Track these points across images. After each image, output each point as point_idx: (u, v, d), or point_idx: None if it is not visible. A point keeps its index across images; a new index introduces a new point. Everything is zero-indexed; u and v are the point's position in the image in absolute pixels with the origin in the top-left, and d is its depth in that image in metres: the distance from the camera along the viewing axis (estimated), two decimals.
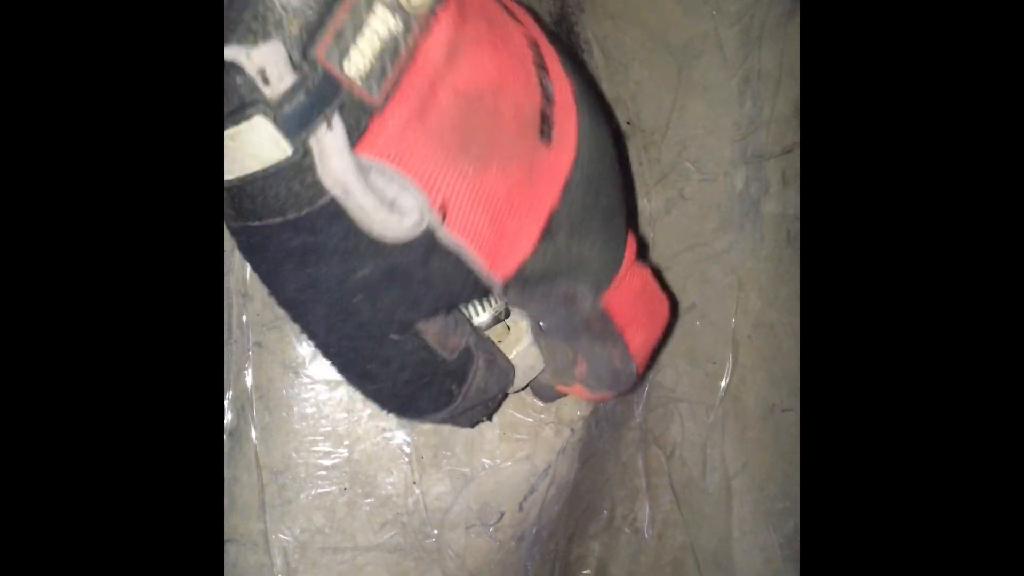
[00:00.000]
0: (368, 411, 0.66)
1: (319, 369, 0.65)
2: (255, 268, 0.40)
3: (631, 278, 0.51)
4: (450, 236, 0.38)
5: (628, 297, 0.51)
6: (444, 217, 0.37)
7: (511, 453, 0.67)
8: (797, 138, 0.82)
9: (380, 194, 0.35)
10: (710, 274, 0.79)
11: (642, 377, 0.75)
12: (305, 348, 0.65)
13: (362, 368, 0.44)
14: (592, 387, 0.55)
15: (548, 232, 0.42)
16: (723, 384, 0.78)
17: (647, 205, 0.78)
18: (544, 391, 0.59)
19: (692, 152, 0.80)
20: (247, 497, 0.65)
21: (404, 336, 0.42)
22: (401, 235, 0.36)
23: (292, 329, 0.65)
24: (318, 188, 0.34)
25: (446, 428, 0.67)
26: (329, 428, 0.65)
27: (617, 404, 0.74)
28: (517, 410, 0.67)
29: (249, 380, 0.65)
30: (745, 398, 0.79)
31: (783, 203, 0.80)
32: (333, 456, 0.66)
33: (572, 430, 0.68)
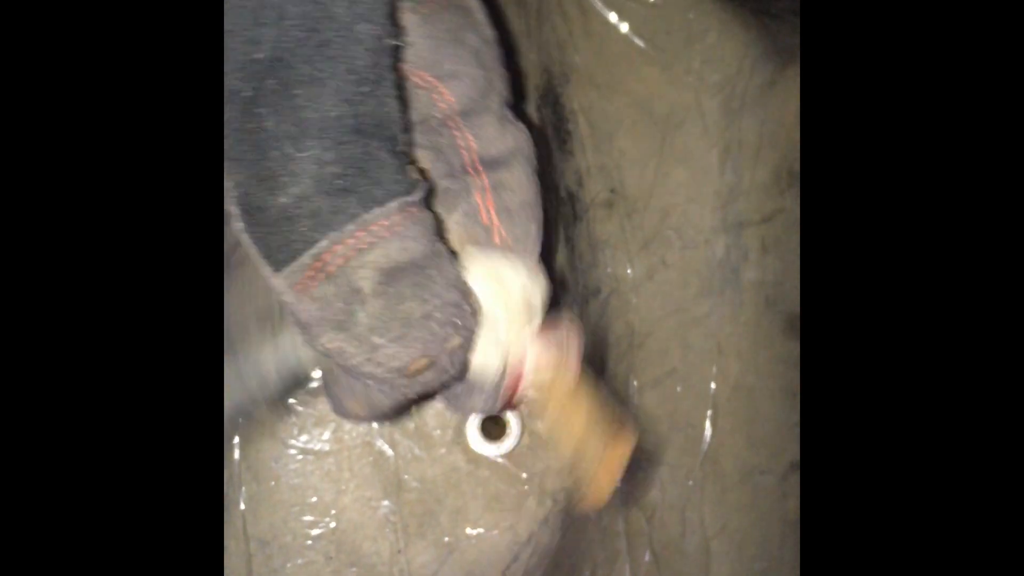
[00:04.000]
0: (355, 482, 0.67)
1: (306, 440, 0.66)
2: None
3: None
4: None
5: None
6: None
7: (495, 523, 0.68)
8: (776, 206, 0.84)
9: None
10: (691, 339, 0.81)
11: None
12: (292, 419, 0.66)
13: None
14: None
15: None
16: (702, 448, 0.80)
17: (629, 272, 0.80)
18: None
19: (674, 220, 0.82)
20: (235, 566, 0.66)
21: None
22: None
23: (280, 400, 0.66)
24: None
25: (431, 498, 0.68)
26: (315, 498, 0.67)
27: None
28: (501, 481, 0.68)
29: (237, 451, 0.66)
30: (724, 461, 0.80)
31: (762, 270, 0.82)
32: (319, 525, 0.67)
33: (555, 500, 0.69)
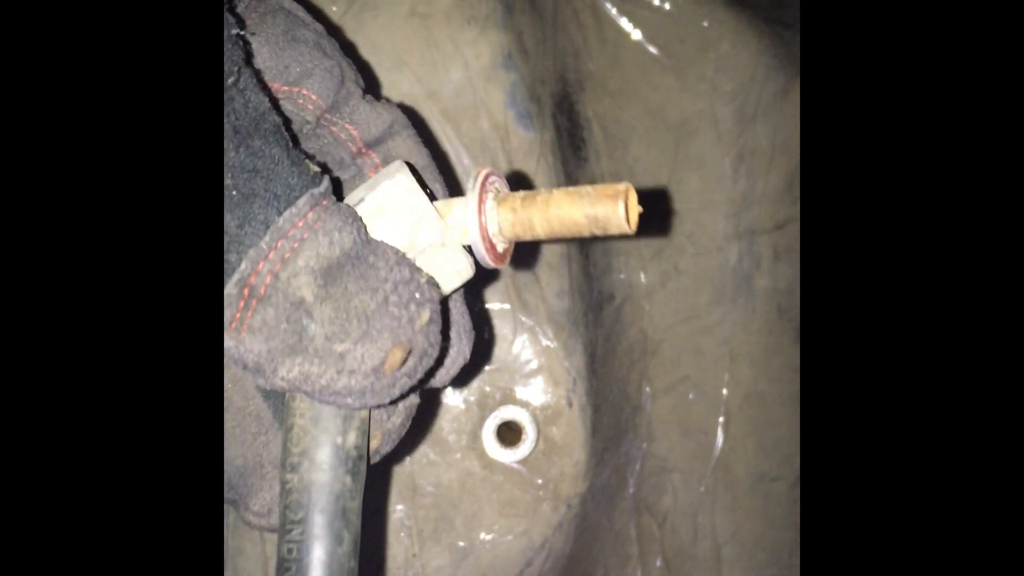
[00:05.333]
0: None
1: None
2: None
3: None
4: None
5: None
6: None
7: (509, 528, 0.69)
8: (789, 214, 0.84)
9: None
10: (703, 346, 0.81)
11: None
12: None
13: None
14: None
15: None
16: (715, 454, 0.80)
17: (643, 278, 0.80)
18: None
19: (687, 226, 0.82)
20: (251, 569, 0.66)
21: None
22: None
23: None
24: None
25: (446, 503, 0.68)
26: None
27: (612, 475, 0.76)
28: (516, 486, 0.69)
29: None
30: (736, 468, 0.81)
31: (774, 277, 0.83)
32: None
33: (569, 506, 0.70)
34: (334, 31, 0.61)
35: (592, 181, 0.79)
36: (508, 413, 0.68)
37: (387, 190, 0.37)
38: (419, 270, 0.37)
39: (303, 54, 0.39)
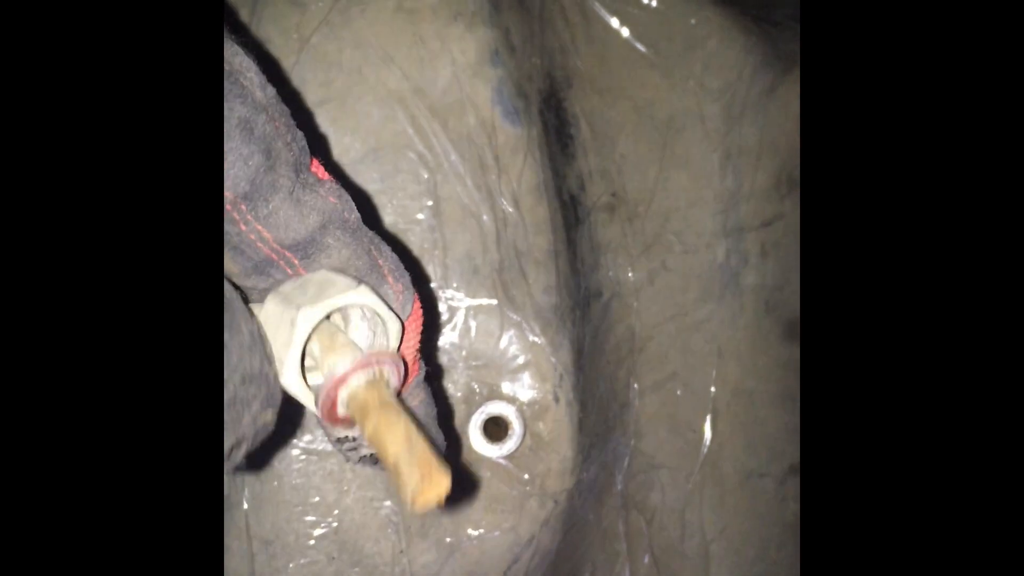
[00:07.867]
0: (357, 482, 0.67)
1: (309, 440, 0.67)
2: None
3: None
4: None
5: None
6: None
7: (496, 524, 0.69)
8: (776, 211, 0.84)
9: None
10: (691, 343, 0.81)
11: None
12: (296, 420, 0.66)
13: None
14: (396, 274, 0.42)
15: None
16: (702, 451, 0.80)
17: (631, 275, 0.81)
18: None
19: (675, 224, 0.82)
20: (237, 566, 0.66)
21: None
22: None
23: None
24: None
25: None
26: (318, 498, 0.67)
27: (600, 471, 0.76)
28: (503, 482, 0.69)
29: None
30: (724, 464, 0.81)
31: (762, 274, 0.83)
32: (321, 525, 0.67)
33: (556, 502, 0.70)
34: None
35: (580, 178, 0.79)
36: (495, 408, 0.68)
37: (338, 290, 0.37)
38: (268, 361, 0.35)
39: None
